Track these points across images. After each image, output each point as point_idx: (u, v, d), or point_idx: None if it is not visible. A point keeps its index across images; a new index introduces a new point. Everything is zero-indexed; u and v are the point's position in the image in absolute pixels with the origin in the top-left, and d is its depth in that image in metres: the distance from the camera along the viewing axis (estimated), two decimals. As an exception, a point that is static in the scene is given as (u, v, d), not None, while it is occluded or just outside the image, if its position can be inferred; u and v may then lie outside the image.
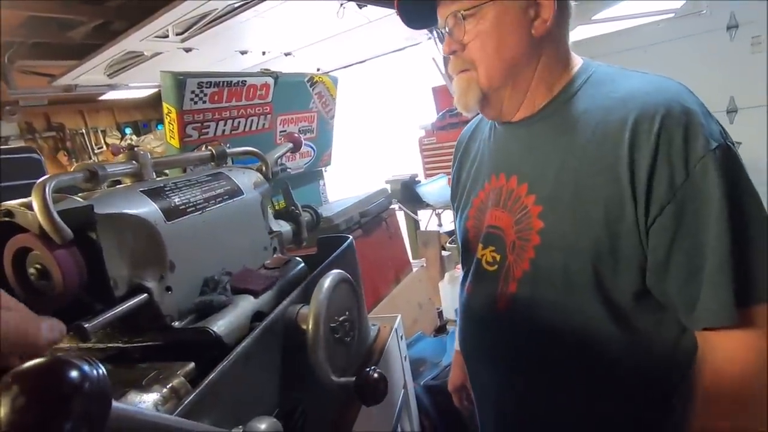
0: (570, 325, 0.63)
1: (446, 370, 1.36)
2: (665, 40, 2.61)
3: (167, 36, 2.60)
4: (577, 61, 0.70)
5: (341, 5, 2.04)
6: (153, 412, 0.29)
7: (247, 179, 0.66)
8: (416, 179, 2.81)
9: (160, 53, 2.89)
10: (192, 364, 0.44)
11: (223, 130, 1.10)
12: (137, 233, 0.47)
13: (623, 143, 0.58)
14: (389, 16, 2.85)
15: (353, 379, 0.48)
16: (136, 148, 0.55)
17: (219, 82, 1.04)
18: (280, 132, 1.29)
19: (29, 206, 0.40)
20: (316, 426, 0.55)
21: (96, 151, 4.45)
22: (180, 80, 0.96)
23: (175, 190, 0.54)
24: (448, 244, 3.02)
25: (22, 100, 3.58)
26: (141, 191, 0.50)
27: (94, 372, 0.19)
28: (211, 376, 0.39)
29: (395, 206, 2.23)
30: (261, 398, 0.47)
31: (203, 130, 1.05)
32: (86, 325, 0.40)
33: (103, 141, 4.52)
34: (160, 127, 4.74)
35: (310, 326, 0.46)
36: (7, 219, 0.40)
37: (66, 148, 4.27)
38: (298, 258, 0.68)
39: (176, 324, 0.49)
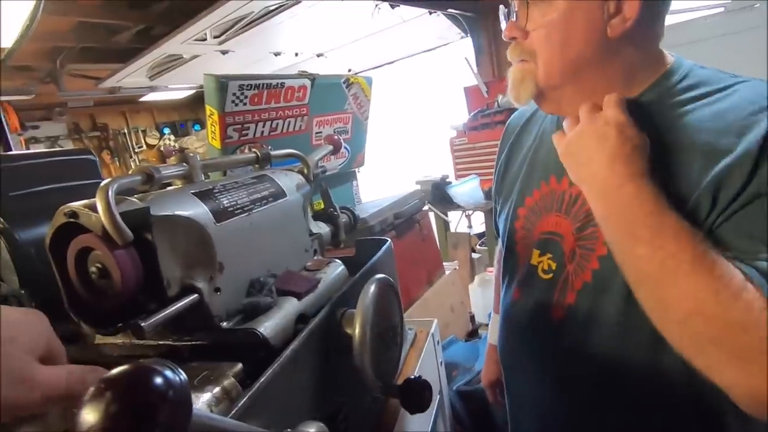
0: (636, 343, 0.59)
1: (479, 375, 1.34)
2: (714, 35, 2.48)
3: (205, 39, 2.69)
4: (669, 60, 0.63)
5: (376, 6, 2.04)
6: (227, 419, 0.29)
7: (289, 181, 0.66)
8: (447, 180, 2.78)
9: (198, 56, 2.99)
10: (240, 365, 0.44)
11: (262, 132, 1.12)
12: (189, 234, 0.48)
13: (721, 158, 0.51)
14: (422, 16, 2.84)
15: (398, 385, 0.47)
16: (185, 151, 0.56)
17: (259, 84, 1.06)
18: (316, 133, 1.30)
19: (92, 207, 0.41)
20: (357, 429, 0.55)
21: (136, 150, 4.65)
22: (223, 83, 0.98)
23: (224, 192, 0.55)
24: (478, 246, 2.99)
25: (71, 102, 3.78)
26: (192, 193, 0.51)
27: (177, 379, 0.19)
28: (262, 379, 0.39)
29: (426, 207, 2.21)
30: (306, 401, 0.48)
31: (243, 132, 1.07)
32: (143, 324, 0.41)
33: (143, 140, 4.73)
34: (196, 127, 4.91)
35: (357, 331, 0.46)
36: (71, 220, 0.41)
37: (109, 147, 4.49)
38: (337, 260, 0.68)
39: (224, 324, 0.50)
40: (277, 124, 1.16)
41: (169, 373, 0.19)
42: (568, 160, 0.62)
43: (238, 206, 0.55)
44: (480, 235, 3.06)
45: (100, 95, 3.71)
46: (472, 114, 3.13)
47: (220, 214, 0.51)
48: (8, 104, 3.38)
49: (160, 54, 2.87)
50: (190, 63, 3.12)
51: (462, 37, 3.49)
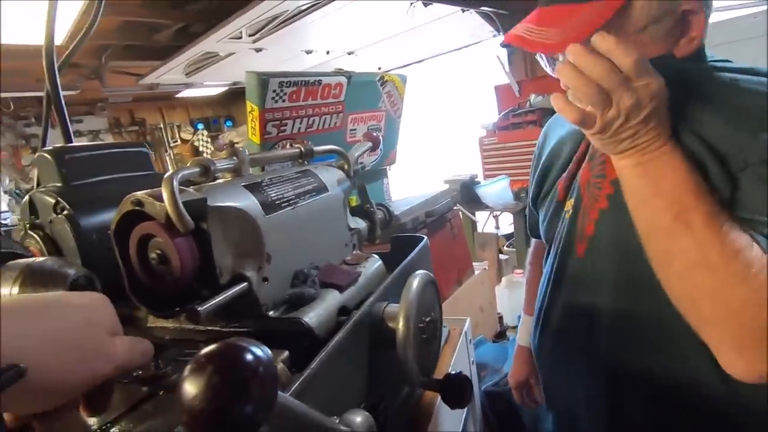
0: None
1: (506, 377, 1.33)
2: (762, 34, 2.36)
3: (240, 37, 2.75)
4: None
5: (411, 4, 2.04)
6: (301, 403, 0.30)
7: (331, 176, 0.68)
8: (476, 180, 2.76)
9: (233, 53, 3.07)
10: (287, 353, 0.46)
11: (299, 128, 1.14)
12: (240, 225, 0.50)
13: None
14: (454, 14, 2.82)
15: (438, 380, 0.48)
16: (236, 145, 0.59)
17: (297, 81, 1.08)
18: (351, 130, 1.31)
19: (155, 196, 0.43)
20: (395, 422, 0.56)
21: (172, 145, 4.81)
22: (264, 80, 1.00)
23: (271, 186, 0.57)
24: (505, 248, 2.95)
25: (112, 97, 3.95)
26: (243, 186, 0.53)
27: (265, 356, 0.20)
28: (312, 366, 0.40)
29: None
30: (349, 391, 0.49)
31: (281, 128, 1.09)
32: (199, 309, 0.43)
33: (177, 135, 4.88)
34: (228, 123, 5.03)
35: (401, 325, 0.47)
36: (137, 208, 0.44)
37: (147, 142, 4.66)
38: (375, 255, 0.69)
39: (271, 313, 0.51)
40: (314, 120, 1.18)
41: (258, 350, 0.20)
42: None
43: (284, 199, 0.57)
44: (508, 236, 3.02)
45: (140, 91, 3.86)
46: (502, 113, 3.09)
47: (268, 207, 0.53)
48: (56, 99, 3.55)
49: (197, 51, 2.96)
50: (225, 60, 3.21)
51: (494, 35, 3.44)
